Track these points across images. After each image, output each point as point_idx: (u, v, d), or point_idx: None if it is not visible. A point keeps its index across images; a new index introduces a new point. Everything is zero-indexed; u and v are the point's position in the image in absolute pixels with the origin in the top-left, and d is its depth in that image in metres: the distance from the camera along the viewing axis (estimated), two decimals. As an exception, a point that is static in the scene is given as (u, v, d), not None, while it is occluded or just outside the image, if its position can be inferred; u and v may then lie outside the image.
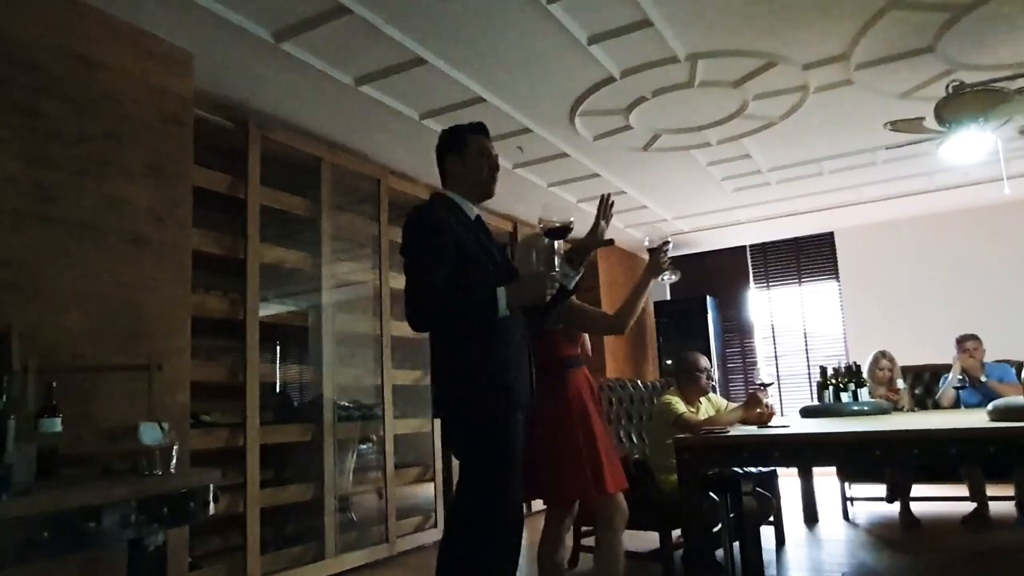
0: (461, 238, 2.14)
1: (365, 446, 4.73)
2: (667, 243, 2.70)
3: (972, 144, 3.63)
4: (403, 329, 4.92)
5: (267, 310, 4.06)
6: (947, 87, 3.46)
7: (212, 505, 2.08)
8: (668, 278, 2.72)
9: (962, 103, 3.38)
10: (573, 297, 2.51)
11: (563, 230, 2.20)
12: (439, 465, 5.05)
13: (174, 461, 2.04)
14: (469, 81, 3.69)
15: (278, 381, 4.39)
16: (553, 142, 4.61)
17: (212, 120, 3.71)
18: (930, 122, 3.64)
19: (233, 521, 3.64)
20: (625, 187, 5.65)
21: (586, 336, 2.93)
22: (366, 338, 4.69)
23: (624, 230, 6.70)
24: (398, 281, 4.91)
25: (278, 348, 4.63)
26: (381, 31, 3.16)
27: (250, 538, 3.61)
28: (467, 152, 2.29)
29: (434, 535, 4.87)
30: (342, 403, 4.41)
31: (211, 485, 2.08)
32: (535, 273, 2.19)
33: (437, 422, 5.06)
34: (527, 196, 5.65)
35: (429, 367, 2.30)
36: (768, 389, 3.57)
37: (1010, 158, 5.00)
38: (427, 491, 5.04)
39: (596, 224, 2.37)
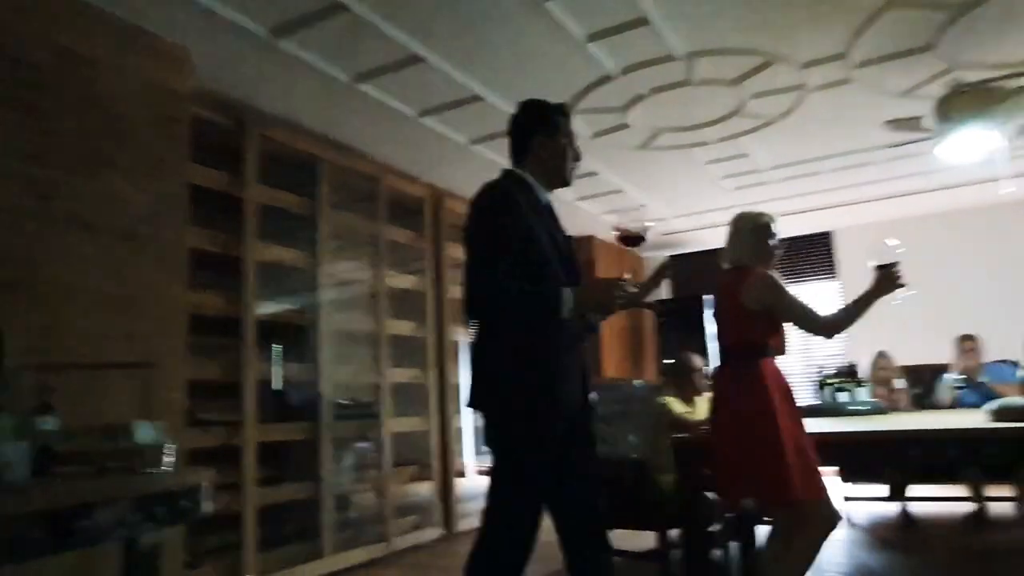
0: (531, 224, 2.00)
1: (363, 444, 4.73)
2: (897, 261, 2.43)
3: (971, 143, 3.63)
4: (401, 327, 4.93)
5: (265, 308, 4.06)
6: (947, 86, 3.45)
7: (207, 504, 2.07)
8: (903, 298, 2.41)
9: (961, 102, 3.38)
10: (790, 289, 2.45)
11: (638, 238, 2.14)
12: (437, 464, 5.05)
13: (169, 459, 2.03)
14: (467, 79, 3.69)
15: (275, 379, 4.38)
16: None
17: (209, 118, 3.70)
18: (928, 121, 3.63)
19: (230, 520, 3.63)
20: (624, 185, 5.64)
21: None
22: (364, 336, 4.68)
23: (622, 227, 6.69)
24: (396, 280, 4.91)
25: (276, 347, 4.62)
26: (379, 28, 3.15)
27: (247, 537, 3.61)
28: (557, 135, 2.13)
29: (432, 534, 4.87)
30: (340, 401, 4.40)
31: (206, 484, 2.07)
32: (607, 280, 2.05)
33: (434, 420, 5.07)
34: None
35: (470, 357, 2.13)
36: None
37: (1010, 157, 4.99)
38: (425, 490, 5.03)
39: (649, 285, 2.30)
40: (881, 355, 4.84)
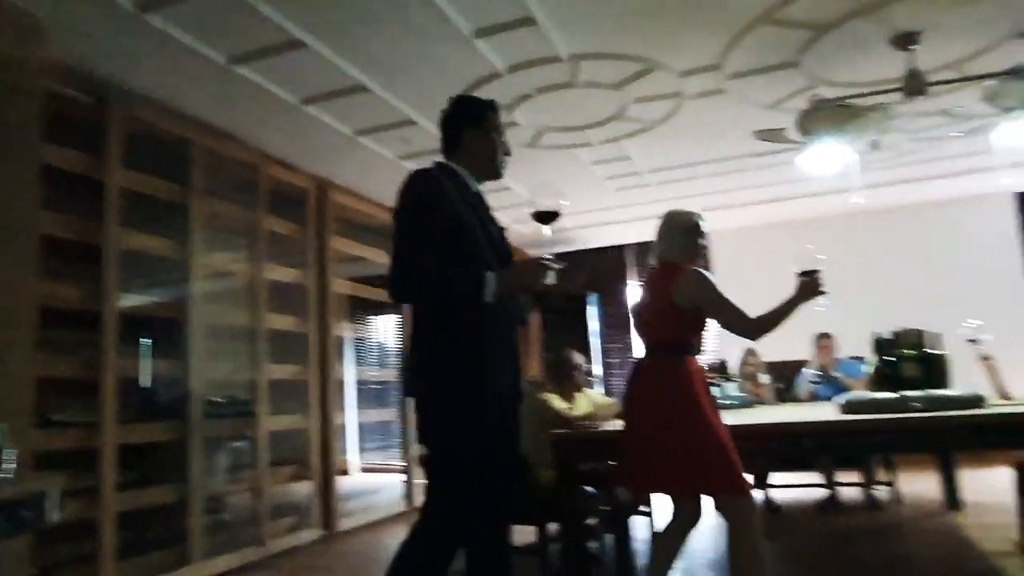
0: (460, 211, 2.01)
1: (239, 443, 4.54)
2: (818, 269, 2.51)
3: (827, 155, 3.90)
4: (280, 322, 4.76)
5: (129, 301, 3.80)
6: (808, 101, 3.70)
7: (54, 512, 1.91)
8: (825, 304, 2.50)
9: (821, 117, 3.62)
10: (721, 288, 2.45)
11: (553, 215, 2.13)
12: (318, 462, 4.91)
13: (9, 466, 1.86)
14: (351, 68, 3.59)
15: (143, 376, 4.12)
16: (439, 135, 4.55)
17: (67, 94, 3.42)
18: (792, 133, 3.88)
19: (87, 527, 3.39)
20: (509, 182, 5.69)
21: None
22: (240, 331, 4.48)
23: (511, 226, 6.75)
24: (276, 272, 4.73)
25: (143, 341, 4.34)
26: (256, 9, 3.01)
27: (104, 545, 3.37)
28: (488, 128, 2.17)
29: (311, 535, 4.74)
30: (213, 399, 4.19)
31: (53, 490, 1.90)
32: (531, 260, 2.06)
33: (315, 418, 4.93)
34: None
35: (409, 350, 2.12)
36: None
37: (862, 170, 5.41)
38: (304, 490, 4.89)
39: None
40: (749, 352, 5.13)
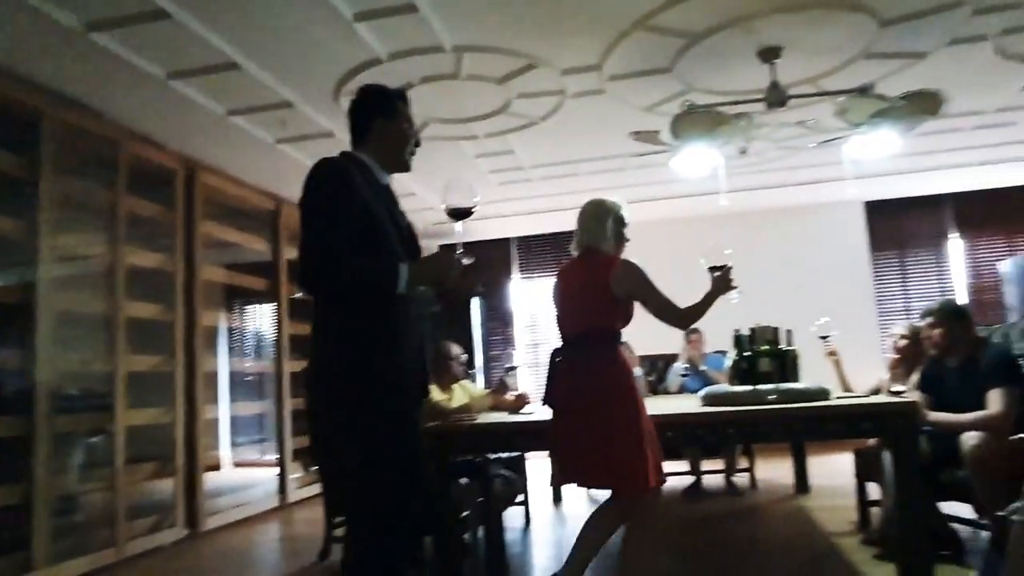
0: (369, 201, 1.95)
1: (95, 439, 4.23)
2: (728, 263, 2.60)
3: (698, 159, 4.09)
4: (141, 310, 4.48)
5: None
6: (681, 105, 3.86)
7: None
8: (736, 298, 2.59)
9: (692, 121, 3.79)
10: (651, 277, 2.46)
11: (467, 212, 2.07)
12: (182, 458, 4.67)
13: None
14: (223, 44, 3.41)
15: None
16: (317, 120, 4.43)
17: None
18: (666, 136, 4.04)
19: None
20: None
21: None
22: (97, 319, 4.18)
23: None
24: (137, 256, 4.44)
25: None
26: (115, -26, 2.81)
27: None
28: (397, 119, 2.10)
29: (173, 535, 4.50)
30: (64, 392, 3.89)
31: None
32: (443, 252, 2.01)
33: (180, 411, 4.68)
34: (291, 174, 5.39)
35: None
36: (517, 372, 3.74)
37: (729, 174, 5.72)
38: (166, 487, 4.63)
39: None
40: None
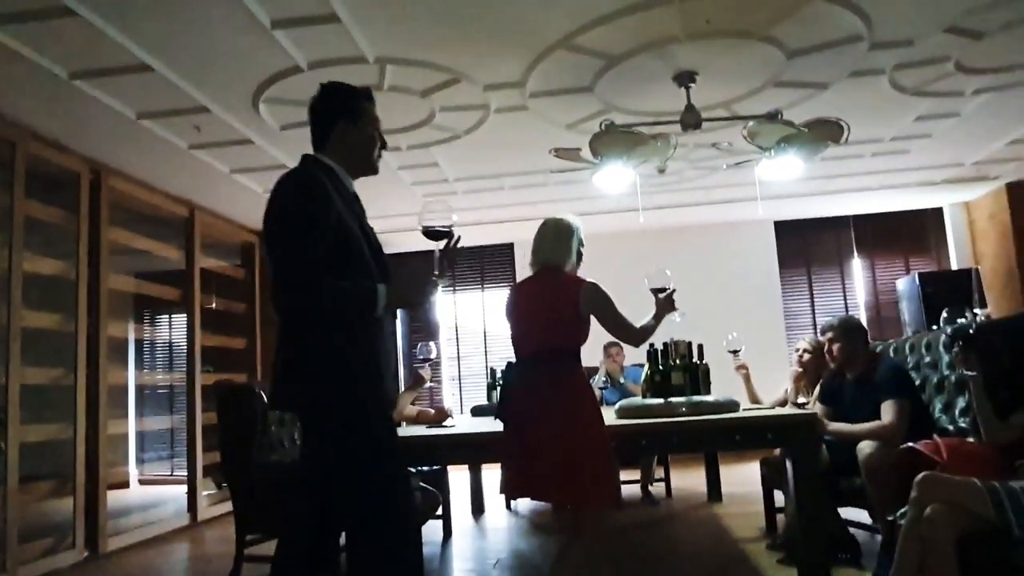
0: (343, 215, 1.87)
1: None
2: (670, 287, 2.75)
3: (617, 176, 4.19)
4: (39, 320, 4.24)
5: None
6: (600, 124, 3.95)
7: None
8: (678, 318, 2.72)
9: (610, 140, 3.88)
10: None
11: (445, 234, 1.99)
12: (82, 476, 4.42)
13: None
14: (132, 45, 3.27)
15: None
16: (235, 126, 4.32)
17: None
18: (586, 153, 4.12)
19: None
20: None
21: None
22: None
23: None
24: (34, 264, 4.20)
25: None
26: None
27: None
28: (362, 121, 2.00)
29: (71, 558, 4.25)
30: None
31: None
32: (420, 272, 1.96)
33: (81, 428, 4.44)
34: (206, 181, 5.24)
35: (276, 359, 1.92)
36: (430, 366, 3.74)
37: (648, 192, 5.89)
38: (65, 507, 4.37)
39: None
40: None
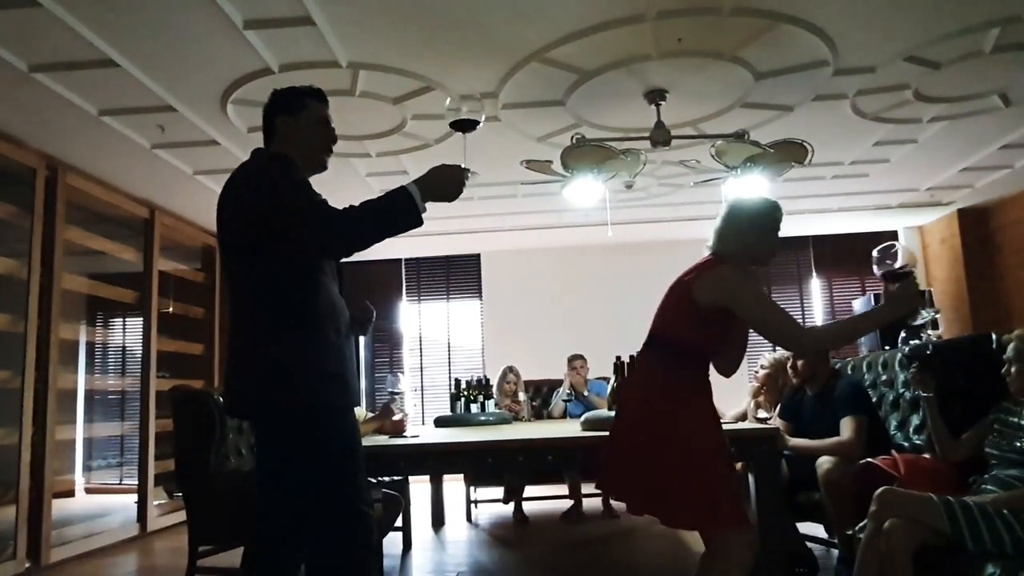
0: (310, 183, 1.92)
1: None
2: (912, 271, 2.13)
3: (587, 190, 4.22)
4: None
5: None
6: (572, 138, 3.98)
7: None
8: (926, 316, 2.16)
9: (581, 154, 3.92)
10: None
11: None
12: (26, 484, 4.25)
13: None
14: (97, 38, 3.18)
15: None
16: (201, 126, 4.23)
17: None
18: (557, 166, 4.15)
19: None
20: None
21: None
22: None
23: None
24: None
25: None
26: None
27: None
28: (303, 116, 2.00)
29: (11, 568, 4.08)
30: None
31: None
32: (451, 166, 1.95)
33: (27, 433, 4.28)
34: (168, 182, 5.13)
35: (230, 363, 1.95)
36: (400, 398, 3.68)
37: (616, 207, 5.94)
38: (6, 516, 4.20)
39: None
40: (509, 369, 5.36)
